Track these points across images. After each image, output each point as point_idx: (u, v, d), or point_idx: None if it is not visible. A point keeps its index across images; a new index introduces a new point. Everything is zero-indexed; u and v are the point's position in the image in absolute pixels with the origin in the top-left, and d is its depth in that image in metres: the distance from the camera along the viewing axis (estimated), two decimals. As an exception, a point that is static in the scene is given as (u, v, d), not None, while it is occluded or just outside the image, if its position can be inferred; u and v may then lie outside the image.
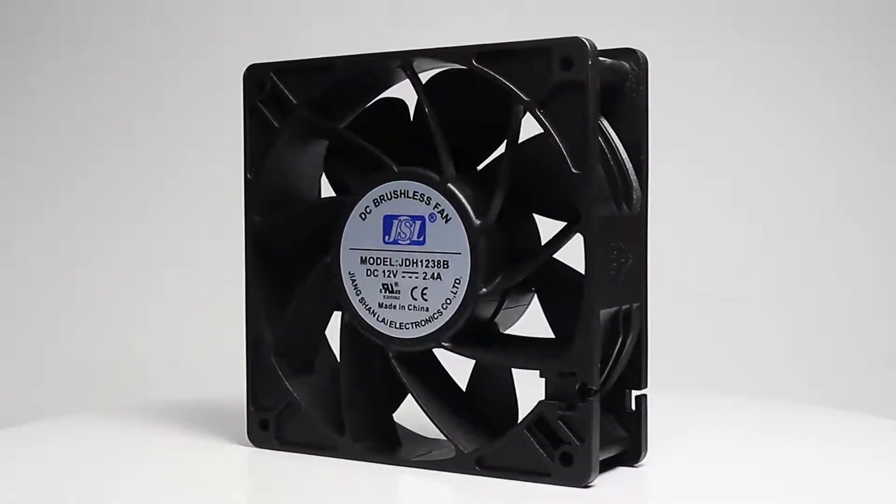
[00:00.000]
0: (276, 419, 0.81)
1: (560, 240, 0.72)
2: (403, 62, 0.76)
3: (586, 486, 0.70)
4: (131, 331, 1.36)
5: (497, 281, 0.73)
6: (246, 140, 0.82)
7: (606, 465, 0.73)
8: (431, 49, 0.75)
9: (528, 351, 0.75)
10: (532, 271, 0.73)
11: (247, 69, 0.82)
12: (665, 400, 0.96)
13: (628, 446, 0.75)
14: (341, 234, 0.78)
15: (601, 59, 0.72)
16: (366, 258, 0.78)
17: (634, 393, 0.75)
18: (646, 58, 0.75)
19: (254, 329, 0.82)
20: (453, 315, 0.74)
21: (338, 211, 0.78)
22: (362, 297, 0.78)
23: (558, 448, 0.70)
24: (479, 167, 0.77)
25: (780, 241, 1.47)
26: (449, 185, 0.74)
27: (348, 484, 0.74)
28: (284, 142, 0.81)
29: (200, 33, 1.38)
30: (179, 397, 0.99)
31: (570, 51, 0.70)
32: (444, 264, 0.74)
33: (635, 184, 0.75)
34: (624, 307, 0.73)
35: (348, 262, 0.78)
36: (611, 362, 0.73)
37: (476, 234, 0.73)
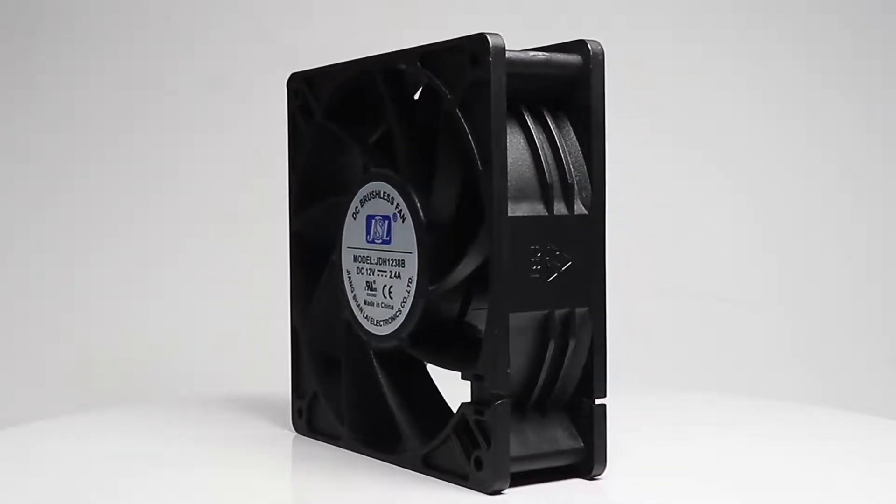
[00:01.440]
0: (307, 407, 0.85)
1: (483, 240, 0.70)
2: (363, 68, 0.78)
3: (494, 493, 0.69)
4: (131, 331, 1.36)
5: (446, 279, 0.72)
6: (288, 144, 0.87)
7: (559, 475, 0.71)
8: (385, 54, 0.76)
9: (455, 353, 0.73)
10: (469, 272, 0.71)
11: (288, 78, 0.87)
12: (661, 402, 0.96)
13: (583, 458, 0.72)
14: (342, 232, 0.80)
15: (535, 54, 0.71)
16: (357, 257, 0.79)
17: (599, 401, 0.72)
18: (598, 49, 0.72)
19: (294, 321, 0.86)
20: (408, 314, 0.74)
21: (341, 210, 0.80)
22: (354, 295, 0.79)
23: (473, 452, 0.70)
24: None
25: (781, 240, 1.47)
26: (406, 185, 0.74)
27: (318, 470, 0.77)
28: (310, 145, 0.85)
29: (200, 33, 1.38)
30: (234, 390, 1.05)
31: (477, 48, 0.69)
32: (402, 263, 0.75)
33: (578, 184, 0.71)
34: (560, 311, 0.70)
35: (346, 260, 0.80)
36: (545, 368, 0.70)
37: (422, 232, 0.73)
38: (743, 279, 1.45)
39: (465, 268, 0.71)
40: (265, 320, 1.36)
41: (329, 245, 0.83)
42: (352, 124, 0.82)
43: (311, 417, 0.85)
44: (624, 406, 0.95)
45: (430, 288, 0.73)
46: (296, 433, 0.86)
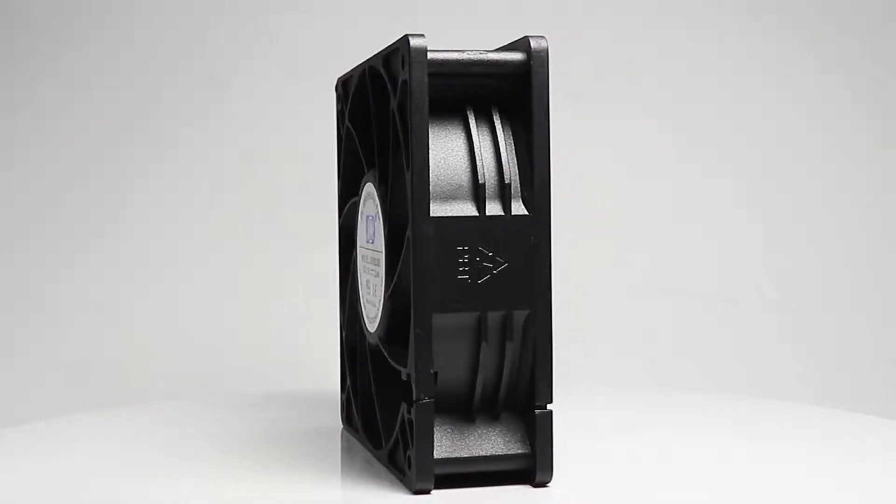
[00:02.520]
0: (345, 401, 0.88)
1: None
2: (362, 70, 0.79)
3: (419, 493, 0.68)
4: (131, 331, 1.36)
5: (394, 280, 0.72)
6: (337, 144, 0.90)
7: (510, 480, 0.70)
8: (372, 56, 0.77)
9: (403, 352, 0.73)
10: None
11: (336, 81, 0.90)
12: (661, 402, 0.96)
13: (529, 464, 0.71)
14: (356, 231, 0.83)
15: (472, 54, 0.70)
16: (362, 256, 0.81)
17: (548, 406, 0.71)
18: (540, 46, 0.70)
19: (340, 316, 0.89)
20: (381, 312, 0.75)
21: (356, 209, 0.83)
22: (360, 293, 0.82)
23: (406, 451, 0.70)
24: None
25: (781, 240, 1.47)
26: (381, 185, 0.75)
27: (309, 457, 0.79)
28: (343, 146, 0.87)
29: (200, 33, 1.38)
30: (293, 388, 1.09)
31: (403, 49, 0.69)
32: (379, 262, 0.76)
33: (520, 185, 0.70)
34: (494, 314, 0.69)
35: (358, 258, 0.83)
36: (481, 372, 0.69)
37: (387, 232, 0.73)
38: (743, 279, 1.45)
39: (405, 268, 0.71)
40: (266, 320, 1.36)
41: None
42: (363, 125, 0.83)
43: (348, 411, 0.87)
44: (623, 406, 0.96)
45: (388, 288, 0.73)
46: (342, 426, 0.90)
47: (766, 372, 1.44)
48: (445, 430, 0.70)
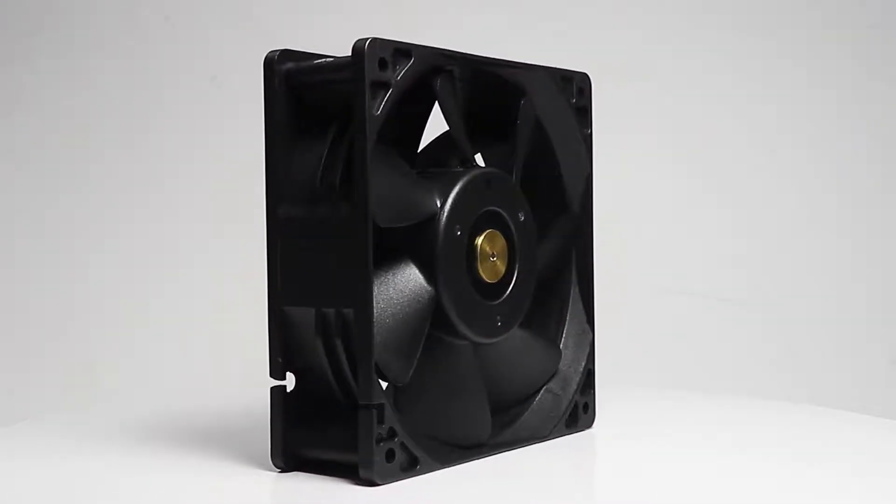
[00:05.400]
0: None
1: None
2: None
3: (278, 470, 0.73)
4: (131, 331, 1.36)
5: None
6: None
7: (345, 472, 0.71)
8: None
9: None
10: None
11: None
12: (659, 402, 0.96)
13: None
14: None
15: (314, 62, 0.72)
16: None
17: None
18: (360, 46, 0.69)
19: None
20: None
21: None
22: None
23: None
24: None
25: (780, 240, 1.47)
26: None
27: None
28: None
29: (200, 33, 1.39)
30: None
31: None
32: None
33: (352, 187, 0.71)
34: (328, 311, 0.71)
35: None
36: (327, 365, 0.72)
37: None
38: (743, 279, 1.45)
39: None
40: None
41: None
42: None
43: None
44: (622, 406, 0.96)
45: None
46: None
47: (765, 372, 1.44)
48: (307, 416, 0.73)
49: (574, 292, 0.87)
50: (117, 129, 1.37)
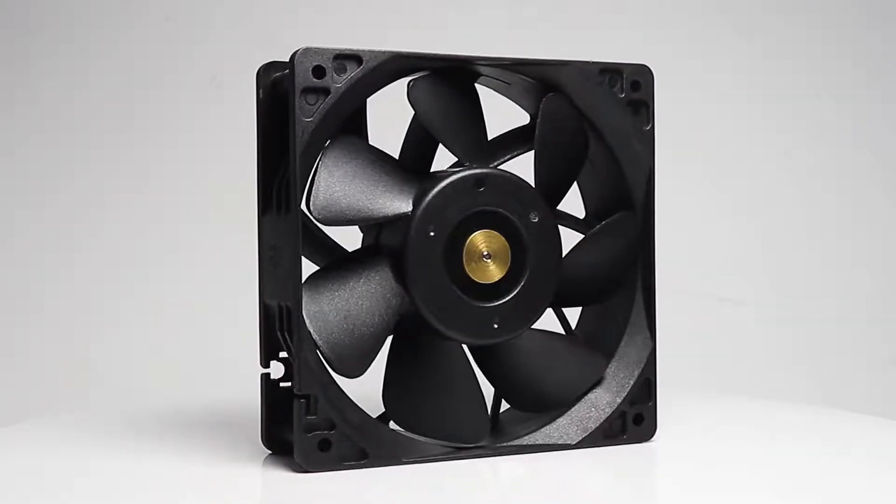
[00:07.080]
0: None
1: None
2: None
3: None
4: (131, 331, 1.36)
5: None
6: None
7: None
8: None
9: None
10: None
11: None
12: (659, 402, 0.96)
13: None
14: None
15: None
16: None
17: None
18: (299, 50, 0.72)
19: None
20: None
21: None
22: None
23: None
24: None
25: (781, 240, 1.47)
26: None
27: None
28: None
29: (200, 33, 1.39)
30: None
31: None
32: None
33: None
34: (284, 304, 0.75)
35: None
36: (292, 357, 0.75)
37: None
38: (743, 279, 1.45)
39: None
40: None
41: None
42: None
43: None
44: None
45: None
46: None
47: (766, 372, 1.44)
48: (285, 402, 0.75)
49: (638, 298, 0.83)
50: (117, 128, 1.37)
